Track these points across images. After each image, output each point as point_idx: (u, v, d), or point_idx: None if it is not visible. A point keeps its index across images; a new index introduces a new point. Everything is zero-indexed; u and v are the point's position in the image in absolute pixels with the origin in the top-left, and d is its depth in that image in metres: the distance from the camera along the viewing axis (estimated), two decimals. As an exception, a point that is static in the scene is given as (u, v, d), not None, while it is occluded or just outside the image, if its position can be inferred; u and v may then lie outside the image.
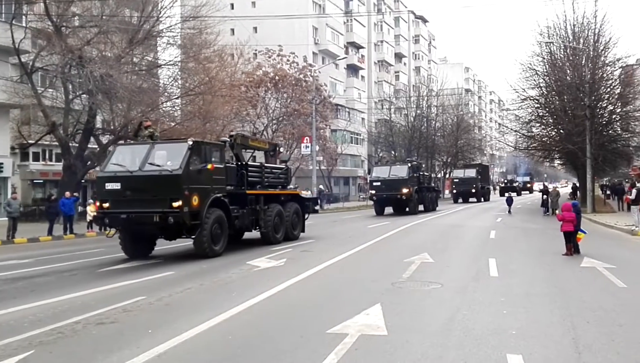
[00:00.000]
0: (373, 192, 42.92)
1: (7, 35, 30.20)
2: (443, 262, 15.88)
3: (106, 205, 16.99)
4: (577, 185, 55.49)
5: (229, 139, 20.88)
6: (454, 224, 31.24)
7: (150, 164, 16.78)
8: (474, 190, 66.19)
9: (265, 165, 23.04)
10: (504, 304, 10.11)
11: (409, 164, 44.21)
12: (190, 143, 16.91)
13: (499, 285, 12.05)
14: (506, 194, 69.70)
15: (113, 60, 30.94)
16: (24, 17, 33.08)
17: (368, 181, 46.91)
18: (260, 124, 53.03)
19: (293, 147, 55.62)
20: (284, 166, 24.82)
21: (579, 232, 16.99)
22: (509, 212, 40.19)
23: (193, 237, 17.30)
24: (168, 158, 16.97)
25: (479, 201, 66.25)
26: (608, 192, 62.05)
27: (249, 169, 20.99)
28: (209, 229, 17.09)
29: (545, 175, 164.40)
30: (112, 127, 36.55)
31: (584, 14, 45.04)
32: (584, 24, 41.96)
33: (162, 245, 19.76)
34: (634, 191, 26.88)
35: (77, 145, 35.56)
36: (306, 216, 24.96)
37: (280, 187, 23.66)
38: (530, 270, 14.36)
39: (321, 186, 58.25)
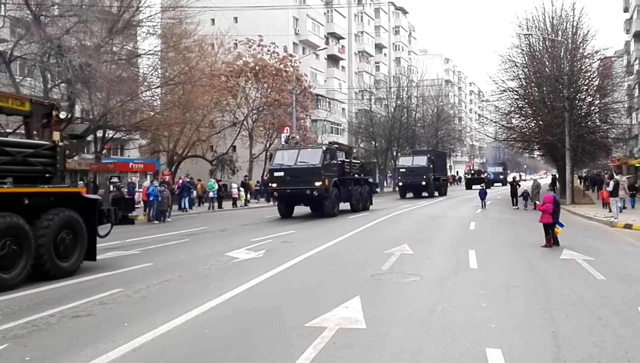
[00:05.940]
0: (274, 185, 30.54)
1: (-14, 24, 29.87)
2: (423, 253, 15.86)
3: None
4: (557, 176, 55.83)
5: None
6: (435, 215, 31.25)
7: None
8: (424, 183, 53.75)
9: None
10: (483, 297, 10.11)
11: (324, 148, 31.27)
12: None
13: (479, 278, 12.05)
14: (474, 187, 68.18)
15: (92, 50, 30.69)
16: (2, 5, 32.63)
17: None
18: (241, 114, 53.03)
19: (273, 137, 55.55)
20: (47, 143, 13.26)
21: (557, 226, 17.05)
22: (483, 206, 36.93)
23: None
24: None
25: (431, 196, 54.76)
26: (587, 183, 62.53)
27: None
28: None
29: (525, 166, 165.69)
30: (91, 117, 36.23)
31: (562, 6, 45.66)
32: (562, 17, 42.74)
33: (140, 236, 19.53)
34: (611, 183, 27.07)
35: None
36: (105, 231, 14.69)
37: (41, 181, 12.85)
38: (509, 262, 14.37)
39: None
